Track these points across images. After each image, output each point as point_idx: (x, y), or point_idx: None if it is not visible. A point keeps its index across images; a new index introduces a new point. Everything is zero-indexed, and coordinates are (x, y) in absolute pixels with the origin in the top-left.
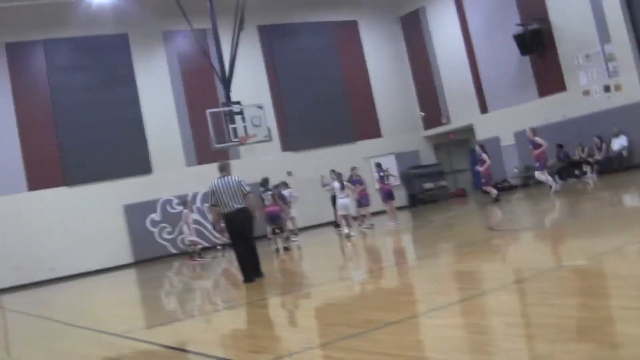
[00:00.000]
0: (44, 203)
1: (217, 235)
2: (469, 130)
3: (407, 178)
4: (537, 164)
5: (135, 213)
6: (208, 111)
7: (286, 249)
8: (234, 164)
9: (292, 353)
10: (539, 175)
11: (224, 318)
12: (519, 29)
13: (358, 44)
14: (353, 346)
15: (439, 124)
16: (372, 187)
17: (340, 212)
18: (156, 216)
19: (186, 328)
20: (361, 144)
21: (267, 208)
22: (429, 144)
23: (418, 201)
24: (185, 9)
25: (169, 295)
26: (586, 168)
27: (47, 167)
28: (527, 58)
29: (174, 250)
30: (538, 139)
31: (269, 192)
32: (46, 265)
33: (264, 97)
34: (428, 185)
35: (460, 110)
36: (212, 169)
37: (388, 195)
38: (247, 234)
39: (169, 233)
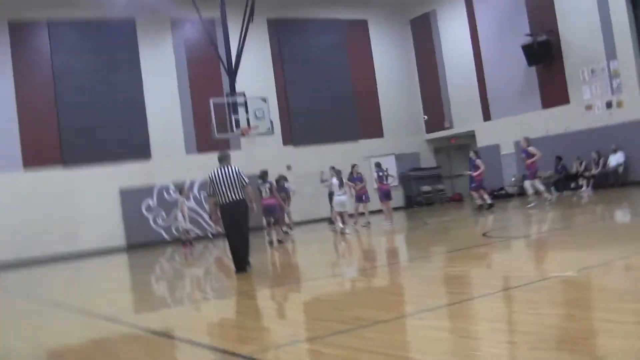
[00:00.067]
0: (39, 182)
1: (212, 224)
2: (470, 136)
3: (406, 179)
4: (528, 174)
5: (131, 197)
6: (212, 100)
7: (280, 242)
8: (234, 154)
9: (279, 345)
10: (527, 185)
11: (213, 307)
12: (527, 39)
13: (367, 43)
14: (341, 342)
15: (442, 128)
16: (371, 186)
17: (336, 209)
18: (152, 202)
19: (174, 315)
20: (362, 143)
21: (264, 200)
22: (430, 147)
23: (415, 203)
24: None
25: (159, 282)
26: (582, 182)
27: (45, 146)
28: (533, 69)
29: (167, 237)
30: (532, 149)
31: (267, 185)
32: (38, 244)
33: (269, 90)
34: (426, 187)
35: (464, 116)
36: (211, 158)
37: (386, 196)
38: (241, 225)
39: (164, 220)
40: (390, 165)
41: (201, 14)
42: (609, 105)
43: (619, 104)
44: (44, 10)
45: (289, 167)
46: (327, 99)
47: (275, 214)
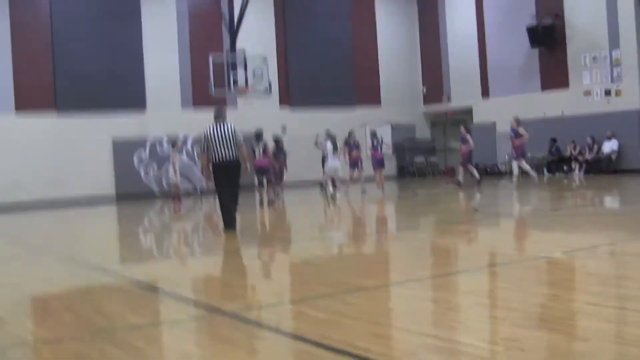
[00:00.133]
0: (30, 126)
1: (203, 180)
2: (468, 112)
3: (400, 150)
4: (513, 153)
5: (124, 148)
6: (210, 55)
7: (271, 202)
8: (229, 113)
9: (263, 305)
10: (514, 165)
11: (199, 263)
12: (532, 22)
13: (371, 11)
14: (325, 306)
15: (439, 101)
16: (365, 154)
17: (329, 174)
18: (144, 154)
19: (160, 268)
20: (359, 110)
21: (257, 161)
22: (426, 119)
23: (407, 173)
24: None
25: (147, 234)
26: (575, 165)
27: (39, 91)
28: (535, 51)
29: (157, 190)
30: (521, 129)
31: (262, 145)
32: (26, 188)
33: (269, 49)
34: (419, 159)
35: (462, 91)
36: (206, 113)
37: (379, 163)
38: (233, 183)
39: (155, 172)
40: (386, 135)
41: None
42: (607, 93)
43: (618, 93)
44: None
45: (283, 128)
46: (327, 64)
47: (268, 175)
